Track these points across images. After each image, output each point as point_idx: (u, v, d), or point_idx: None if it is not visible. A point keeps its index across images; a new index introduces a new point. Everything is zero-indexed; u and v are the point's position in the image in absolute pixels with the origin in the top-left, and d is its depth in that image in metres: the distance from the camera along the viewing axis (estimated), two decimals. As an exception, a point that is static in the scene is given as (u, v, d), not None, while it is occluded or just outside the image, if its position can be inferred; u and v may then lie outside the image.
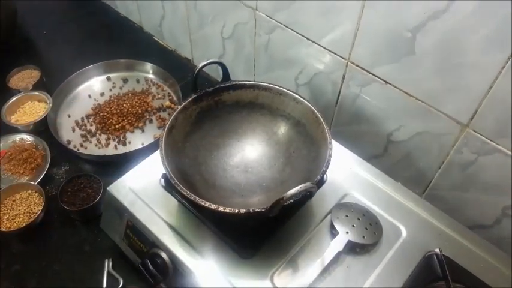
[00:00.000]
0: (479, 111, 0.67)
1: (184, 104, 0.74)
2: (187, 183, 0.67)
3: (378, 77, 0.78)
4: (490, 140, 0.69)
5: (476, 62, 0.64)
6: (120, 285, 0.78)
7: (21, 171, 1.00)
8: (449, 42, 0.65)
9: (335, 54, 0.83)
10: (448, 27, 0.64)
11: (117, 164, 0.95)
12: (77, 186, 0.91)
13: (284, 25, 0.88)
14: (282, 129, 0.78)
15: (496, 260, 0.68)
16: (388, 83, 0.77)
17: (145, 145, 1.02)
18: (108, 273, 0.81)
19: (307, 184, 0.56)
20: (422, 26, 0.66)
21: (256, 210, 0.59)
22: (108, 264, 0.82)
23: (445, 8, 0.62)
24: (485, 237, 0.71)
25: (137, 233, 0.73)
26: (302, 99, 0.74)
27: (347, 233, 0.67)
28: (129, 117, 1.09)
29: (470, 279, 0.65)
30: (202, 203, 0.61)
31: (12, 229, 0.86)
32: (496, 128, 0.67)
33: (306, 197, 0.60)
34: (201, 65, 0.72)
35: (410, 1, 0.65)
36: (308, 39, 0.86)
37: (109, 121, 1.08)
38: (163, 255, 0.69)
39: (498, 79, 0.62)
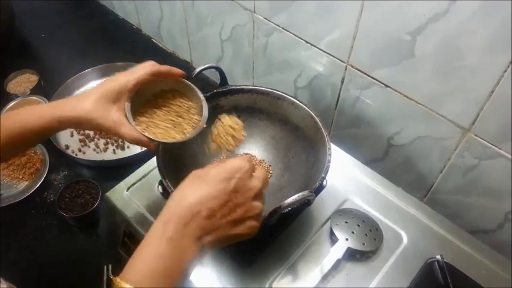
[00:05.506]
0: (480, 115, 0.66)
1: (181, 109, 0.73)
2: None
3: (377, 80, 0.77)
4: (492, 145, 0.68)
5: (477, 66, 0.63)
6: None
7: (20, 176, 1.00)
8: (450, 45, 0.64)
9: (334, 57, 0.81)
10: (449, 30, 0.62)
11: (116, 169, 0.95)
12: (75, 192, 0.91)
13: (282, 28, 0.87)
14: (281, 134, 0.77)
15: (498, 266, 0.66)
16: (388, 86, 0.76)
17: (144, 150, 1.01)
18: (109, 280, 0.80)
19: (305, 192, 0.56)
20: (422, 29, 0.65)
21: (254, 219, 0.58)
22: (107, 271, 0.81)
23: (445, 10, 0.61)
24: (487, 242, 0.69)
25: (135, 241, 0.72)
26: (300, 103, 0.73)
27: (347, 239, 0.66)
28: (128, 121, 1.08)
29: (472, 285, 0.64)
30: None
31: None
32: (498, 133, 0.66)
33: (304, 204, 0.60)
34: (197, 70, 0.71)
35: (410, 4, 0.64)
36: (306, 42, 0.84)
37: (107, 125, 1.07)
38: (161, 263, 0.68)
39: (500, 83, 0.61)
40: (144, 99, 0.65)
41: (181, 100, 0.67)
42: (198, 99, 0.66)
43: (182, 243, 0.45)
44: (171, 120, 0.65)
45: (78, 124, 0.60)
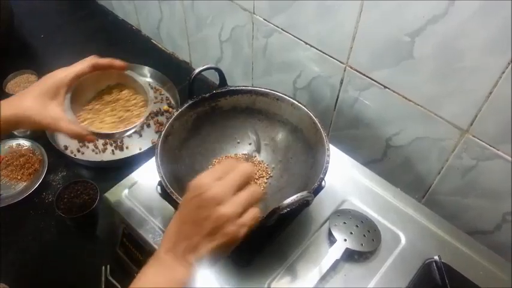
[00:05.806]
0: (479, 116, 0.66)
1: (180, 110, 0.73)
2: (183, 191, 0.66)
3: (376, 81, 0.77)
4: (490, 146, 0.68)
5: (476, 67, 0.63)
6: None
7: (19, 177, 0.99)
8: (448, 47, 0.64)
9: (333, 58, 0.82)
10: (447, 31, 0.63)
11: (115, 169, 0.95)
12: (74, 192, 0.90)
13: (281, 29, 0.87)
14: (280, 134, 0.78)
15: (496, 267, 0.67)
16: (386, 87, 0.76)
17: (142, 150, 1.01)
18: (107, 281, 0.80)
19: (304, 193, 0.56)
20: (422, 31, 0.65)
21: (253, 219, 0.58)
22: (105, 271, 0.81)
23: (443, 12, 0.61)
24: (485, 243, 0.70)
25: (133, 242, 0.72)
26: (299, 104, 0.73)
27: (345, 240, 0.67)
28: (127, 122, 1.08)
29: (470, 286, 0.64)
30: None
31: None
32: (496, 134, 0.66)
33: (303, 205, 0.60)
34: (196, 71, 0.71)
35: (409, 5, 0.64)
36: (306, 43, 0.85)
37: (106, 126, 1.07)
38: (160, 263, 0.68)
39: (498, 84, 0.62)
40: (89, 97, 0.64)
41: (126, 94, 0.66)
42: (143, 89, 0.65)
43: (170, 264, 0.50)
44: (118, 115, 0.65)
45: (18, 123, 0.60)
